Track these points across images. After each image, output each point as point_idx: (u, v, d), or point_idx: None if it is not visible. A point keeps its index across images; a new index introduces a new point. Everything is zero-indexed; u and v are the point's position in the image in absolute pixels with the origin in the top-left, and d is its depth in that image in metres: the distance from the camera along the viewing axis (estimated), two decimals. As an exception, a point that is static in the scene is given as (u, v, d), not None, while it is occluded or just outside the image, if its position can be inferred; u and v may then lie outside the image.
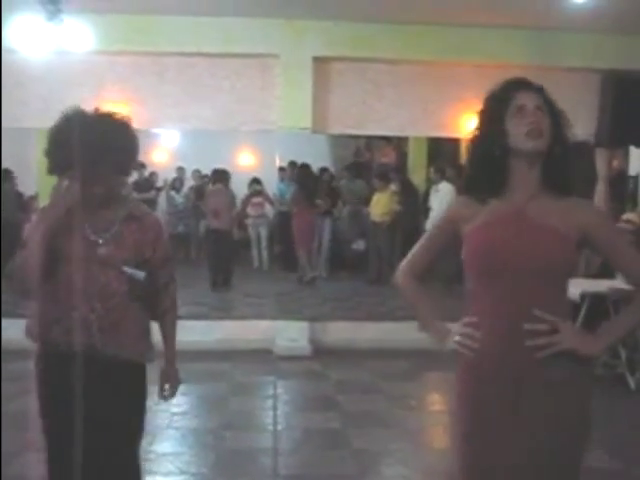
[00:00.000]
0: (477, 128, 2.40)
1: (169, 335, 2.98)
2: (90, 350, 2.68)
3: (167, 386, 3.01)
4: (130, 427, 2.83)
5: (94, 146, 2.72)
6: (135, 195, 13.54)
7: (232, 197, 10.69)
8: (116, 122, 2.87)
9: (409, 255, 2.58)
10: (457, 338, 2.35)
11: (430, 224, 7.65)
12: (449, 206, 2.55)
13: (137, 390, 2.85)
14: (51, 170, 2.78)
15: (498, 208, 2.32)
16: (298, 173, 10.64)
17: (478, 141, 2.38)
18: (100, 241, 2.75)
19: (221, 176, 10.53)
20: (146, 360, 2.87)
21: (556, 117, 2.33)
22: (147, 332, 2.89)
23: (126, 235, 2.78)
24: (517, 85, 2.37)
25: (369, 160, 13.17)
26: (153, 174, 13.38)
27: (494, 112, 2.34)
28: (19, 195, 12.35)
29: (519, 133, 2.28)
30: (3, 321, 7.25)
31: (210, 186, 11.08)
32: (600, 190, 8.88)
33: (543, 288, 2.24)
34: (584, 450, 2.33)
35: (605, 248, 2.34)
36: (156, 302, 2.91)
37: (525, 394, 2.23)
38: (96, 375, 2.67)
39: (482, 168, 2.36)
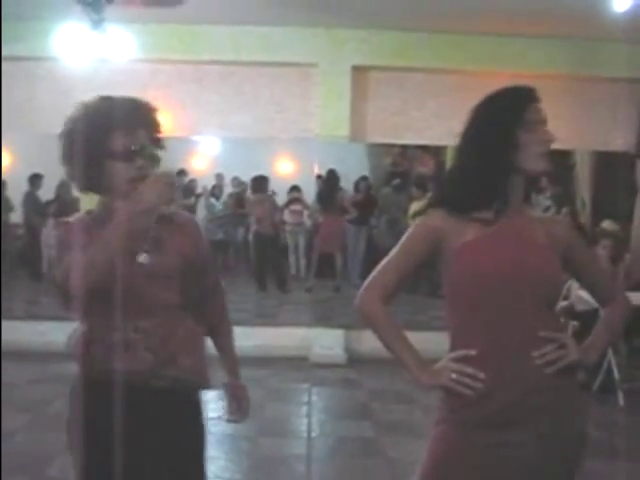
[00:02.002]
0: (478, 139, 2.20)
1: (228, 345, 2.62)
2: (138, 376, 2.26)
3: (236, 405, 2.60)
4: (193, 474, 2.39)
5: (136, 127, 2.35)
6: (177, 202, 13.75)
7: (275, 204, 10.89)
8: (131, 99, 2.44)
9: (375, 274, 2.27)
10: (454, 376, 2.15)
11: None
12: (426, 218, 2.24)
13: (198, 422, 2.40)
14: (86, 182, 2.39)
15: (487, 224, 2.17)
16: (324, 180, 10.71)
17: (479, 154, 2.18)
18: (140, 250, 2.32)
19: (262, 183, 10.68)
20: (208, 383, 2.44)
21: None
22: (203, 349, 2.46)
23: (165, 239, 2.37)
24: (529, 96, 2.21)
25: (407, 169, 13.13)
26: (193, 181, 13.50)
27: (506, 125, 2.16)
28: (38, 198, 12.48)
29: (532, 152, 2.15)
30: (47, 323, 7.39)
31: (250, 193, 11.20)
32: (639, 202, 8.78)
33: (544, 308, 2.18)
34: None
35: (580, 266, 2.29)
36: (205, 312, 2.52)
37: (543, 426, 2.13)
38: (148, 407, 2.27)
39: (479, 182, 2.17)
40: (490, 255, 2.14)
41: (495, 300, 2.13)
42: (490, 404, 2.13)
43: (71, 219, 2.42)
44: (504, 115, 2.18)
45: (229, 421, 2.59)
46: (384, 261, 2.27)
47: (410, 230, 2.26)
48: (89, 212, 2.43)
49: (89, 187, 2.38)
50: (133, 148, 2.30)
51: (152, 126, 2.39)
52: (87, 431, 2.26)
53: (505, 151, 2.15)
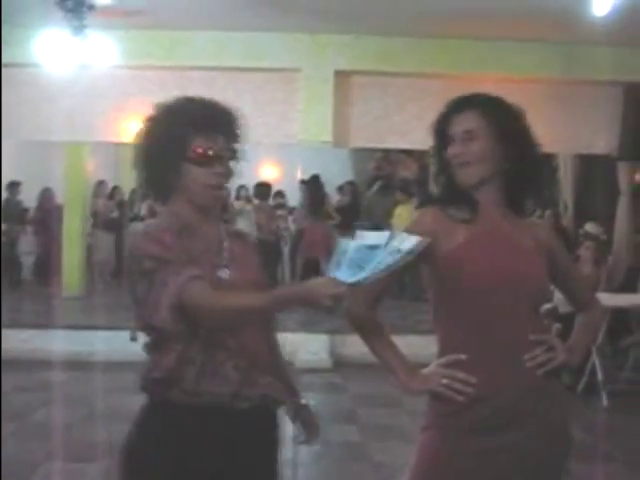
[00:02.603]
0: (433, 149, 2.29)
1: (284, 364, 2.47)
2: (223, 398, 2.15)
3: (308, 426, 2.46)
4: None
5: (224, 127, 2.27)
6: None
7: (271, 210, 10.98)
8: (214, 102, 2.31)
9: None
10: (445, 381, 2.13)
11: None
12: (418, 221, 2.26)
13: (276, 439, 2.33)
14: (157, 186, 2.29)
15: (476, 226, 2.18)
16: (307, 185, 10.74)
17: (435, 165, 2.30)
18: (219, 265, 2.22)
19: (265, 190, 10.80)
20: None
21: (505, 134, 2.19)
22: (283, 365, 2.42)
23: (238, 254, 2.27)
24: (457, 106, 2.24)
25: (390, 173, 13.18)
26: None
27: (436, 142, 2.26)
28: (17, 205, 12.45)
29: (452, 165, 2.20)
30: (30, 331, 7.37)
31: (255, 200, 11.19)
32: (622, 204, 8.84)
33: (531, 311, 2.19)
34: None
35: (558, 270, 2.28)
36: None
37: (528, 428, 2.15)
38: (229, 430, 2.17)
39: (441, 182, 2.26)
40: (480, 259, 2.13)
41: (485, 303, 2.13)
42: (480, 409, 2.14)
43: (151, 230, 2.21)
44: (434, 132, 2.26)
45: (301, 444, 2.48)
46: None
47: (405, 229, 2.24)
48: (149, 226, 2.32)
49: (163, 193, 2.28)
50: (211, 153, 2.21)
51: (232, 135, 2.29)
52: (167, 456, 2.14)
53: (444, 165, 2.23)
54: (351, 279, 1.88)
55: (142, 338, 2.25)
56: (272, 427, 2.30)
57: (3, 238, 11.51)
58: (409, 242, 1.92)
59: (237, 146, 2.30)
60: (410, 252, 1.91)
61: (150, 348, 2.22)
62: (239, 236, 2.37)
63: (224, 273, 2.20)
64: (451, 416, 2.18)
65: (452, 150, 2.19)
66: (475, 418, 2.14)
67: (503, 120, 2.20)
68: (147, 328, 2.18)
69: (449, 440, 2.18)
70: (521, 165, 2.19)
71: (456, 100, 2.26)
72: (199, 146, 2.20)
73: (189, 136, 2.20)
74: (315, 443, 2.48)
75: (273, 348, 2.41)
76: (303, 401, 2.45)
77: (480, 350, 2.15)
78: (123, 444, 2.24)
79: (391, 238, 1.92)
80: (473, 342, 2.16)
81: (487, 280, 2.12)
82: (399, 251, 1.91)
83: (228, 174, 2.26)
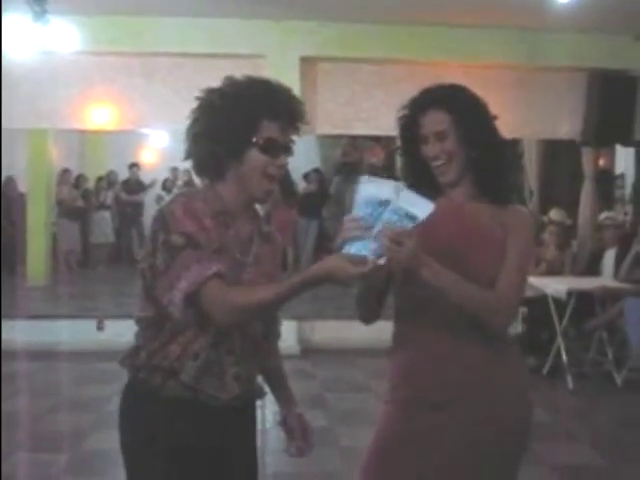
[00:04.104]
0: (401, 145, 2.32)
1: (284, 374, 2.46)
2: (220, 401, 2.15)
3: (301, 436, 2.42)
4: None
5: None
6: (125, 196, 13.60)
7: None
8: (289, 91, 2.20)
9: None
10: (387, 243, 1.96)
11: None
12: None
13: (254, 426, 2.35)
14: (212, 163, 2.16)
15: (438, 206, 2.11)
16: None
17: (405, 159, 2.33)
18: (244, 264, 2.16)
19: None
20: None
21: (471, 127, 2.20)
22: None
23: (262, 259, 2.20)
24: (423, 105, 2.24)
25: (358, 160, 13.20)
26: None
27: (406, 143, 2.29)
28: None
29: (431, 165, 2.23)
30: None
31: None
32: (586, 189, 8.95)
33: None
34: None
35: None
36: (266, 338, 2.38)
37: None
38: (223, 422, 2.18)
39: (419, 179, 2.25)
40: (429, 239, 2.09)
41: (425, 286, 2.10)
42: (422, 383, 2.21)
43: (193, 204, 2.10)
44: (403, 132, 2.29)
45: (299, 456, 2.42)
46: None
47: None
48: (189, 196, 2.19)
49: (214, 172, 2.17)
50: (280, 143, 2.13)
51: (298, 128, 2.18)
52: (167, 445, 2.12)
53: (417, 162, 2.27)
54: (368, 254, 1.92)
55: (138, 312, 2.18)
56: (252, 415, 2.33)
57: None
58: (416, 208, 1.97)
59: (294, 139, 2.20)
60: (414, 218, 1.96)
61: (149, 329, 2.17)
62: (268, 238, 2.27)
63: (247, 274, 2.14)
64: (399, 389, 2.27)
65: (428, 151, 2.22)
66: (417, 392, 2.22)
67: (469, 115, 2.21)
68: (153, 302, 2.13)
69: (400, 414, 2.26)
70: (488, 155, 2.21)
71: (421, 97, 2.25)
72: (270, 133, 2.11)
73: (261, 120, 2.10)
74: (308, 453, 2.42)
75: (275, 356, 2.44)
76: (298, 411, 2.43)
77: (419, 326, 2.23)
78: (119, 431, 2.22)
79: (398, 191, 1.98)
80: (415, 320, 2.24)
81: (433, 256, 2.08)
82: (407, 215, 1.96)
83: (285, 164, 2.18)
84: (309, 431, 2.41)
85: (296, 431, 2.39)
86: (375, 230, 1.94)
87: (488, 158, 2.21)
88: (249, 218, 2.21)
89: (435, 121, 2.20)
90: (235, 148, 2.11)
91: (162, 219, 2.08)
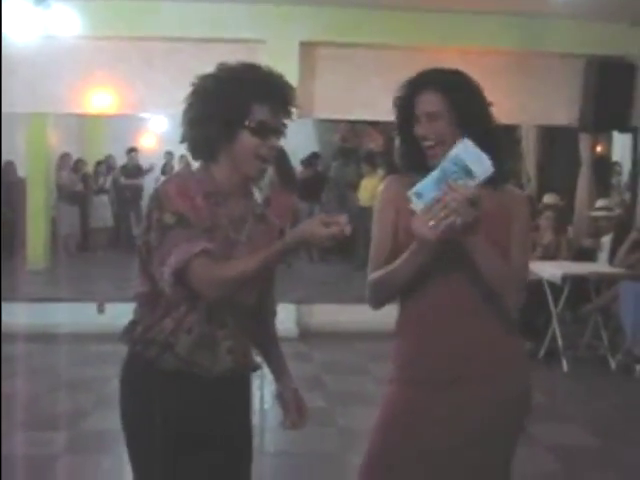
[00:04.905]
0: (397, 125, 2.35)
1: (280, 350, 2.53)
2: (214, 373, 2.23)
3: (296, 410, 2.47)
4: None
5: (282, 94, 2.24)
6: (124, 181, 13.63)
7: None
8: (280, 76, 2.27)
9: (371, 264, 2.32)
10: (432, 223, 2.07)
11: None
12: (384, 187, 2.38)
13: (250, 397, 2.48)
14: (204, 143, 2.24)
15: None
16: (274, 157, 10.72)
17: (400, 139, 2.35)
18: (237, 242, 2.23)
19: None
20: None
21: (465, 110, 2.23)
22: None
23: (256, 238, 2.27)
24: (418, 86, 2.28)
25: (356, 145, 13.22)
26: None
27: (402, 122, 2.31)
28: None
29: (422, 145, 2.26)
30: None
31: None
32: (583, 175, 8.99)
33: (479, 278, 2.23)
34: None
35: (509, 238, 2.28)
36: (261, 315, 2.44)
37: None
38: (219, 403, 2.27)
39: (400, 149, 2.35)
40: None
41: (437, 266, 2.18)
42: (430, 362, 2.26)
43: (186, 183, 2.20)
44: (399, 112, 2.33)
45: (292, 428, 2.47)
46: (371, 248, 2.34)
47: (376, 208, 2.37)
48: (183, 176, 2.29)
49: (208, 153, 2.25)
50: (270, 125, 2.20)
51: (288, 111, 2.25)
52: (162, 416, 2.20)
53: (412, 142, 2.29)
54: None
55: (135, 288, 2.27)
56: (247, 388, 2.42)
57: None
58: (476, 166, 2.08)
59: (287, 122, 2.28)
60: (472, 176, 2.08)
61: (145, 304, 2.25)
62: (264, 219, 2.35)
63: (240, 252, 2.20)
64: (405, 369, 2.31)
65: (418, 131, 2.26)
66: (427, 372, 2.26)
67: (464, 98, 2.24)
68: (149, 278, 2.22)
69: (408, 392, 2.29)
70: (483, 139, 2.21)
71: (417, 78, 2.30)
72: (261, 116, 2.18)
73: (252, 104, 2.18)
74: (302, 427, 2.48)
75: (271, 332, 2.51)
76: (294, 386, 2.49)
77: (428, 309, 2.26)
78: (119, 403, 2.31)
79: (464, 141, 2.10)
80: (423, 303, 2.27)
81: (432, 244, 2.12)
82: (465, 169, 2.08)
83: (276, 149, 2.26)
84: (303, 406, 2.48)
85: (291, 405, 2.45)
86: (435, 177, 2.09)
87: (483, 142, 2.21)
88: (243, 198, 2.29)
89: (428, 102, 2.24)
90: (227, 131, 2.18)
91: (157, 198, 2.18)
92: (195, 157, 2.29)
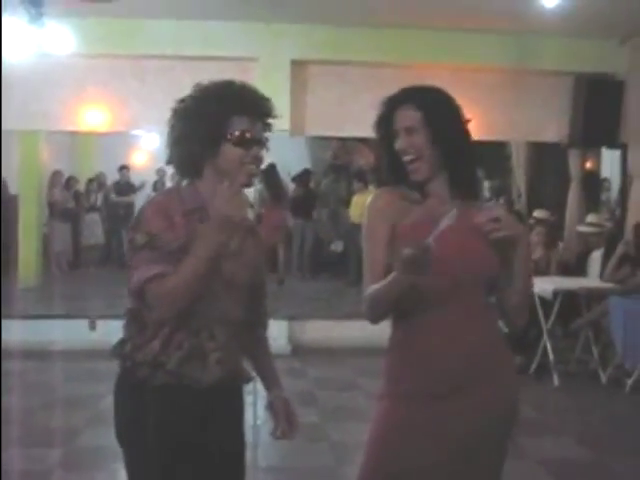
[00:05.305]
0: (378, 141, 2.39)
1: (271, 361, 2.57)
2: (204, 385, 2.26)
3: (286, 420, 2.48)
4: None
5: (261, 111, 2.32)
6: (115, 198, 13.66)
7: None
8: (254, 90, 2.37)
9: (366, 281, 2.30)
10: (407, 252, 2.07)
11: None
12: (374, 201, 2.37)
13: (242, 409, 2.49)
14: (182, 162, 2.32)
15: (427, 208, 2.28)
16: (264, 174, 10.76)
17: (382, 154, 2.39)
18: (230, 252, 2.26)
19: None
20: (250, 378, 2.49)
21: (440, 125, 2.27)
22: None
23: (245, 252, 2.33)
24: (396, 102, 2.33)
25: (347, 162, 13.29)
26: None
27: (381, 137, 2.36)
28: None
29: (402, 159, 2.30)
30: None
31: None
32: (573, 191, 9.07)
33: (481, 288, 2.29)
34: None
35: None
36: (252, 328, 2.49)
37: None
38: (210, 414, 2.29)
39: (384, 163, 2.38)
40: (440, 247, 2.13)
41: (436, 282, 2.19)
42: (428, 376, 2.27)
43: (165, 203, 2.28)
44: (378, 129, 2.36)
45: (280, 438, 2.48)
46: (365, 264, 2.33)
47: (365, 222, 2.37)
48: (167, 195, 2.39)
49: (194, 170, 2.31)
50: (250, 136, 2.27)
51: (267, 123, 2.35)
52: (154, 431, 2.23)
53: (393, 160, 2.33)
54: None
55: (125, 305, 2.33)
56: (239, 399, 2.44)
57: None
58: None
59: (267, 135, 2.36)
60: None
61: (133, 321, 2.31)
62: (251, 231, 2.41)
63: (228, 264, 2.24)
64: (400, 383, 2.31)
65: (398, 145, 2.30)
66: (423, 385, 2.27)
67: (439, 114, 2.28)
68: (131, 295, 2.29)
69: (401, 407, 2.30)
70: (458, 155, 2.28)
71: (396, 95, 2.35)
72: (240, 127, 2.26)
73: (231, 117, 2.25)
74: (292, 437, 2.49)
75: (262, 344, 2.56)
76: (284, 395, 2.52)
77: (428, 322, 2.27)
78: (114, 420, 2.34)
79: None
80: (422, 315, 2.27)
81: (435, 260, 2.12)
82: None
83: (261, 159, 2.33)
84: (293, 415, 2.50)
85: (281, 415, 2.48)
86: None
87: (459, 156, 2.28)
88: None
89: (405, 117, 2.29)
90: (211, 146, 2.25)
91: (136, 218, 2.27)
92: (182, 175, 2.36)
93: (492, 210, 2.27)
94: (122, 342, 2.33)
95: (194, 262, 2.15)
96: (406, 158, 2.29)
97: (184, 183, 2.37)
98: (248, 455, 3.10)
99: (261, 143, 2.32)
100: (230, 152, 2.26)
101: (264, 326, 2.57)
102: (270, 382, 2.53)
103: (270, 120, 2.35)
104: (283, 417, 2.48)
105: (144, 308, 2.23)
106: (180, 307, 2.19)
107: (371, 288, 2.26)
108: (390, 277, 2.17)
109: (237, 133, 2.26)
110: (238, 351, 2.38)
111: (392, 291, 2.19)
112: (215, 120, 2.24)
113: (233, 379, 2.36)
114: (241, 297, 2.33)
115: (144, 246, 2.20)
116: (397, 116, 2.31)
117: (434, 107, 2.30)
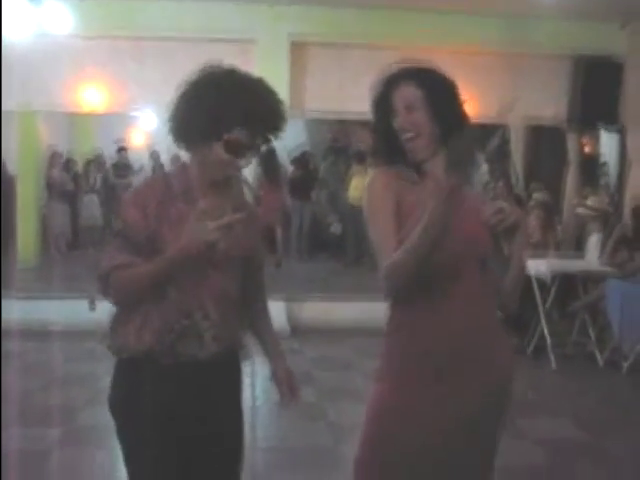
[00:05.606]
0: (373, 120, 2.36)
1: (273, 334, 2.61)
2: (201, 360, 2.30)
3: (289, 389, 2.53)
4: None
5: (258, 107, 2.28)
6: (113, 179, 13.65)
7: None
8: (274, 96, 2.34)
9: (383, 252, 2.22)
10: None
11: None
12: (375, 180, 2.35)
13: (240, 382, 2.52)
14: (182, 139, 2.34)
15: (425, 188, 2.22)
16: (262, 156, 10.74)
17: (378, 133, 2.37)
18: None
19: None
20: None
21: (440, 103, 2.27)
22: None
23: (237, 229, 2.31)
24: (394, 80, 2.32)
25: (346, 144, 13.27)
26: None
27: (379, 116, 2.33)
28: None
29: (402, 138, 2.29)
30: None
31: None
32: (571, 174, 9.08)
33: (479, 267, 2.31)
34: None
35: None
36: (251, 304, 2.52)
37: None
38: (208, 387, 2.34)
39: (377, 142, 2.38)
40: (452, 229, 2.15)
41: (433, 261, 2.18)
42: (430, 355, 2.28)
43: (143, 190, 2.35)
44: (375, 107, 2.35)
45: (286, 406, 2.54)
46: (378, 241, 2.27)
47: (368, 201, 2.33)
48: (150, 181, 2.45)
49: (189, 146, 2.34)
50: (243, 147, 2.28)
51: (267, 138, 2.34)
52: (153, 407, 2.28)
53: (390, 136, 2.30)
54: None
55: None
56: (237, 374, 2.47)
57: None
58: None
59: (263, 142, 2.35)
60: None
61: (120, 312, 2.36)
62: (243, 208, 2.39)
63: (219, 242, 2.25)
64: (399, 366, 2.32)
65: (397, 123, 2.29)
66: (421, 368, 2.29)
67: (439, 92, 2.28)
68: None
69: (399, 389, 2.31)
70: (457, 133, 2.22)
71: (394, 73, 2.34)
72: (239, 137, 2.25)
73: (234, 127, 2.24)
74: (296, 404, 2.55)
75: (262, 319, 2.59)
76: (286, 366, 2.56)
77: (427, 304, 2.27)
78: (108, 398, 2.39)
79: None
80: (420, 298, 2.27)
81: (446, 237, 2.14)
82: None
83: (245, 164, 2.33)
84: (296, 385, 2.55)
85: (284, 385, 2.52)
86: None
87: (457, 136, 2.23)
88: (219, 191, 2.34)
89: (405, 94, 2.28)
90: (203, 137, 2.27)
91: (120, 203, 2.42)
92: (177, 140, 2.35)
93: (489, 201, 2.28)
94: (112, 333, 2.36)
95: (157, 264, 2.22)
96: (406, 136, 2.28)
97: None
98: (246, 434, 3.15)
99: (253, 151, 2.32)
100: (218, 153, 2.27)
101: (263, 300, 2.59)
102: (272, 354, 2.56)
103: (274, 135, 2.33)
104: (286, 387, 2.52)
105: (107, 292, 2.30)
106: (134, 300, 2.28)
107: (395, 255, 2.17)
108: (424, 216, 2.12)
109: (231, 141, 2.26)
110: (236, 326, 2.41)
111: (431, 225, 2.10)
112: (218, 121, 2.23)
113: (230, 354, 2.40)
114: (235, 273, 2.37)
115: (118, 233, 2.31)
116: (397, 94, 2.30)
117: (434, 86, 2.29)
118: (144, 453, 2.31)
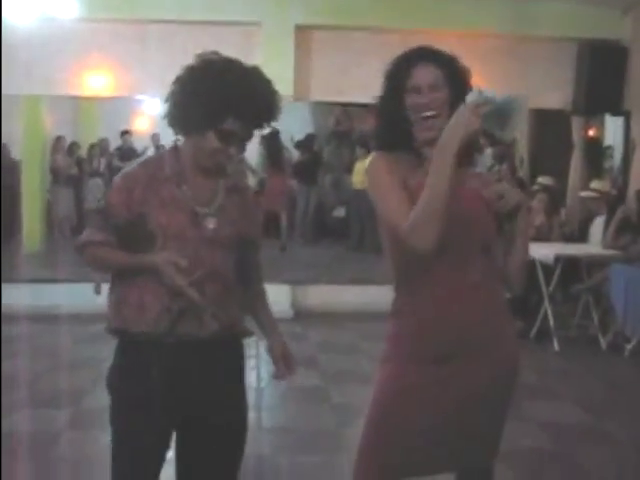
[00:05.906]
0: (381, 99, 2.35)
1: (268, 309, 2.63)
2: (200, 338, 2.33)
3: (285, 363, 2.57)
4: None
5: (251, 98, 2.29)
6: (118, 163, 13.66)
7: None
8: (270, 86, 2.36)
9: (398, 214, 2.18)
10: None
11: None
12: (376, 162, 2.33)
13: (242, 361, 2.55)
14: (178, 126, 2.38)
15: (424, 171, 2.19)
16: (266, 140, 10.71)
17: (384, 114, 2.36)
18: (206, 215, 2.36)
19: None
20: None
21: (457, 86, 2.28)
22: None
23: (229, 209, 2.40)
24: (414, 59, 2.31)
25: (349, 128, 13.23)
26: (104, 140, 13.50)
27: (392, 92, 2.31)
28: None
29: (416, 118, 2.27)
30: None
31: None
32: (576, 158, 9.07)
33: (480, 251, 2.31)
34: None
35: None
36: (248, 282, 2.53)
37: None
38: (210, 365, 2.38)
39: (394, 137, 2.33)
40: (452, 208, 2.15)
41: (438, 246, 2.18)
42: (433, 339, 2.30)
43: (133, 174, 2.40)
44: (390, 82, 2.33)
45: (281, 379, 2.60)
46: (391, 207, 2.22)
47: (373, 178, 2.31)
48: (142, 164, 2.44)
49: (183, 131, 2.39)
50: (235, 137, 2.33)
51: (260, 127, 2.39)
52: (150, 384, 2.32)
53: (399, 115, 2.29)
54: None
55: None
56: (239, 352, 2.51)
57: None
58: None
59: (253, 132, 2.39)
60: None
61: (116, 293, 2.41)
62: (237, 190, 2.46)
63: (210, 223, 2.35)
64: (405, 348, 2.34)
65: (419, 100, 2.26)
66: (427, 349, 2.31)
67: (457, 75, 2.30)
68: None
69: (406, 370, 2.33)
70: None
71: (416, 51, 2.33)
72: (232, 127, 2.29)
73: (228, 116, 2.28)
74: (290, 376, 2.60)
75: (258, 296, 2.62)
76: (282, 340, 2.59)
77: (430, 286, 2.29)
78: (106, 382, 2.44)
79: None
80: (424, 279, 2.29)
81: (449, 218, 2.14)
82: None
83: (237, 154, 2.38)
84: (291, 358, 2.59)
85: (279, 357, 2.57)
86: None
87: None
88: (210, 174, 2.40)
89: (429, 72, 2.27)
90: (197, 126, 2.31)
91: (112, 182, 2.44)
92: (171, 124, 2.39)
93: (493, 183, 2.30)
94: (111, 307, 2.40)
95: (127, 261, 2.34)
96: (426, 114, 2.26)
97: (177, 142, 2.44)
98: (251, 416, 3.18)
99: (243, 144, 2.38)
100: (211, 141, 2.31)
101: (259, 280, 2.63)
102: (268, 329, 2.60)
103: (267, 124, 2.38)
104: (281, 359, 2.56)
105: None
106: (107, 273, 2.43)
107: (411, 213, 2.14)
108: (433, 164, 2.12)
109: (224, 131, 2.30)
110: (234, 306, 2.44)
111: (444, 162, 2.10)
112: (212, 111, 2.27)
113: (232, 333, 2.43)
114: (229, 253, 2.39)
115: (100, 211, 2.40)
116: (418, 72, 2.28)
117: (452, 67, 2.31)
118: (143, 432, 2.34)
